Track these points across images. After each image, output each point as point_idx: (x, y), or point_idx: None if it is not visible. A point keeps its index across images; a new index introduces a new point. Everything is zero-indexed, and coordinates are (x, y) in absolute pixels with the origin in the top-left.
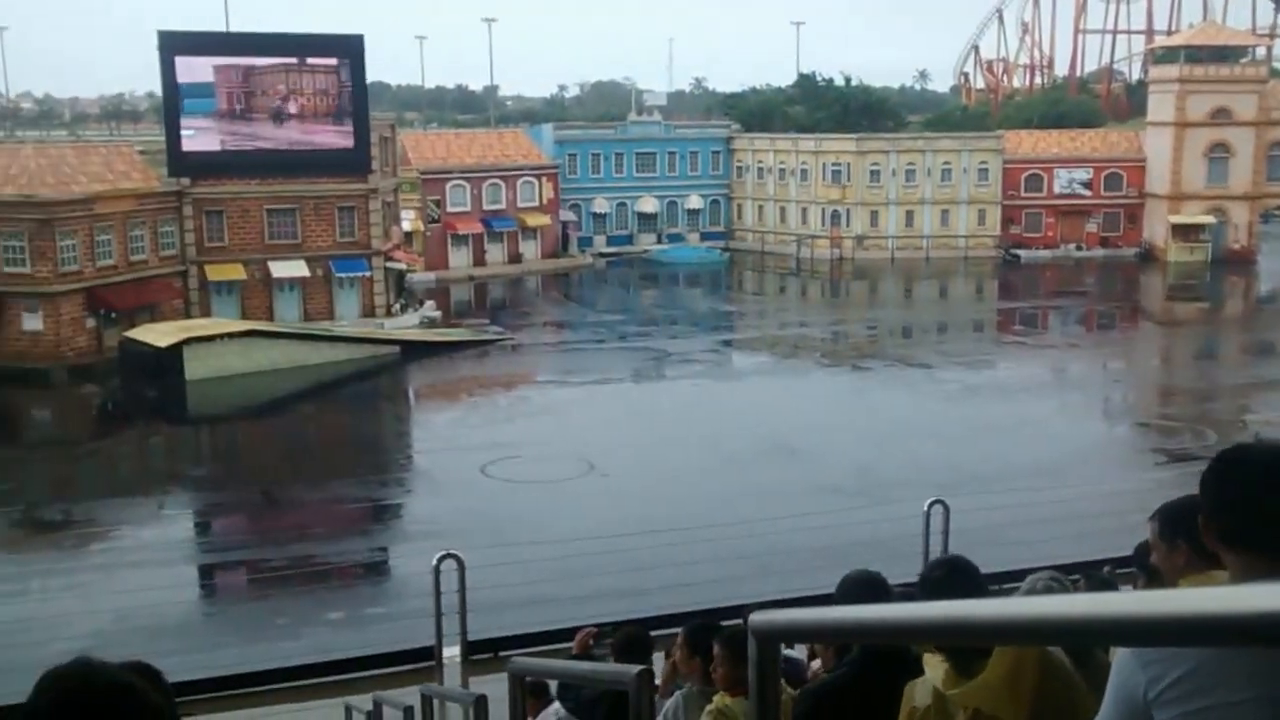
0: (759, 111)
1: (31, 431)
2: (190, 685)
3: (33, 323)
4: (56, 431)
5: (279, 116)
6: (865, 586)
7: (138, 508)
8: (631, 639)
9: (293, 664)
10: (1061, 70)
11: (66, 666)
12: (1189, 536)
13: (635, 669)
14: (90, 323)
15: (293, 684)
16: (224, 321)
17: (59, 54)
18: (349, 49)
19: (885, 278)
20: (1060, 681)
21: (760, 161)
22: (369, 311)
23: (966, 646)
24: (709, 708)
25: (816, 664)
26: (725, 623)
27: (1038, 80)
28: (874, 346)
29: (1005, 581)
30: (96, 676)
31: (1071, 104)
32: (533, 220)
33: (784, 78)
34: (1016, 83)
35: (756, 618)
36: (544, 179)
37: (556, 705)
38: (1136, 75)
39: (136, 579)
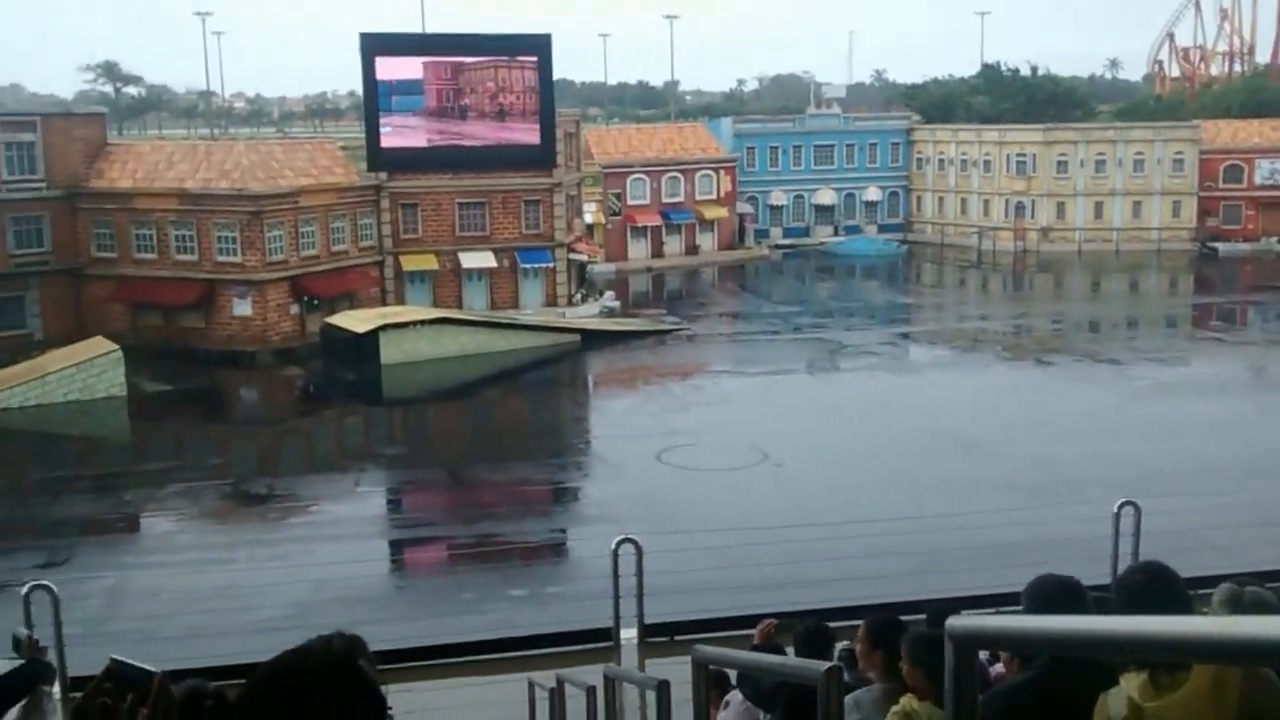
0: (940, 102)
1: (240, 410)
2: (384, 655)
3: (242, 308)
4: (262, 411)
5: (469, 114)
6: (1061, 593)
7: (335, 484)
8: (814, 632)
9: (479, 638)
10: (1263, 58)
11: (303, 644)
12: None
13: (824, 666)
14: (294, 309)
15: (479, 658)
16: (417, 309)
17: (268, 56)
18: (536, 48)
19: (1072, 271)
20: (1268, 693)
21: (941, 153)
22: (551, 301)
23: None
24: (895, 709)
25: (999, 667)
26: (904, 618)
27: (1237, 68)
28: (1059, 341)
29: (1198, 587)
30: (328, 650)
31: (1273, 92)
32: (710, 213)
33: (967, 68)
34: (1214, 70)
35: (955, 623)
36: (722, 172)
37: (736, 693)
38: None
39: (333, 551)
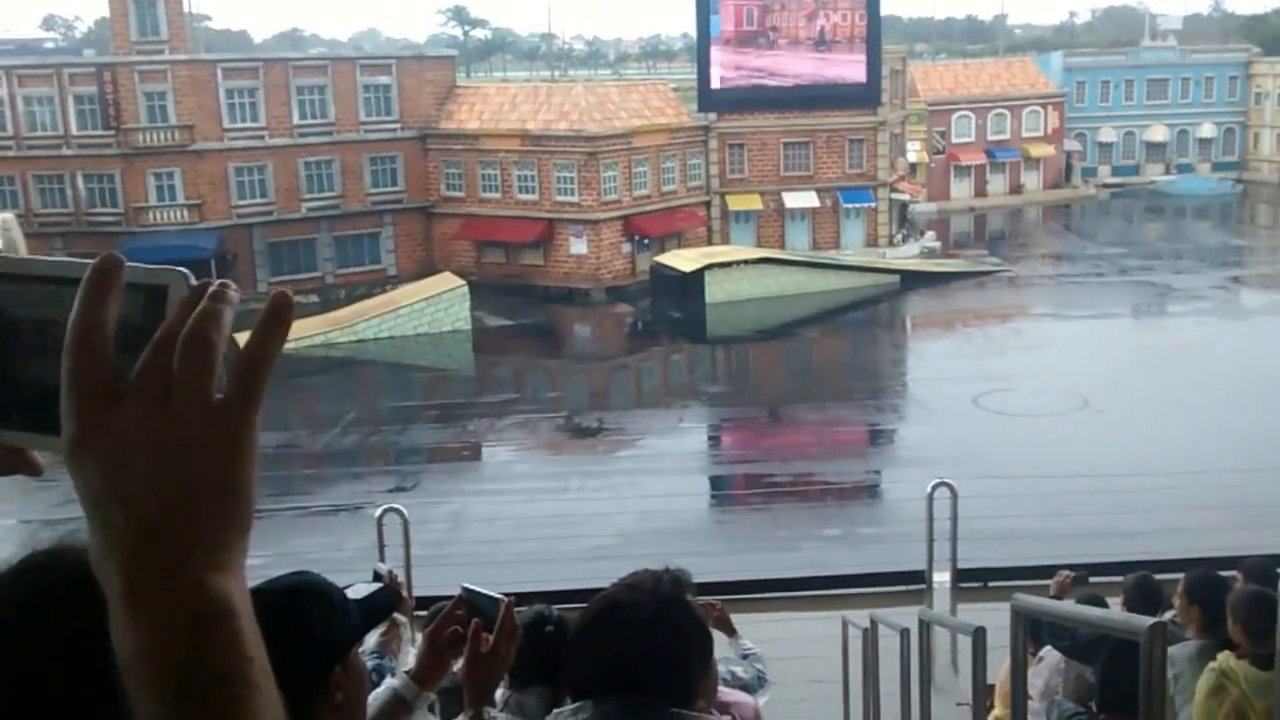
0: None
1: (574, 346)
2: (703, 587)
3: (578, 247)
4: (594, 346)
5: (798, 51)
6: None
7: (659, 419)
8: (1144, 586)
9: (795, 575)
10: None
11: (633, 580)
12: None
13: (1148, 621)
14: (626, 248)
15: (794, 594)
16: (741, 249)
17: None
18: None
19: None
20: None
21: None
22: (872, 241)
23: None
24: (1211, 665)
25: None
26: (1225, 574)
27: None
28: None
29: None
30: (658, 588)
31: None
32: (1036, 150)
33: None
34: None
35: None
36: (1050, 108)
37: (1052, 650)
38: None
39: (657, 485)
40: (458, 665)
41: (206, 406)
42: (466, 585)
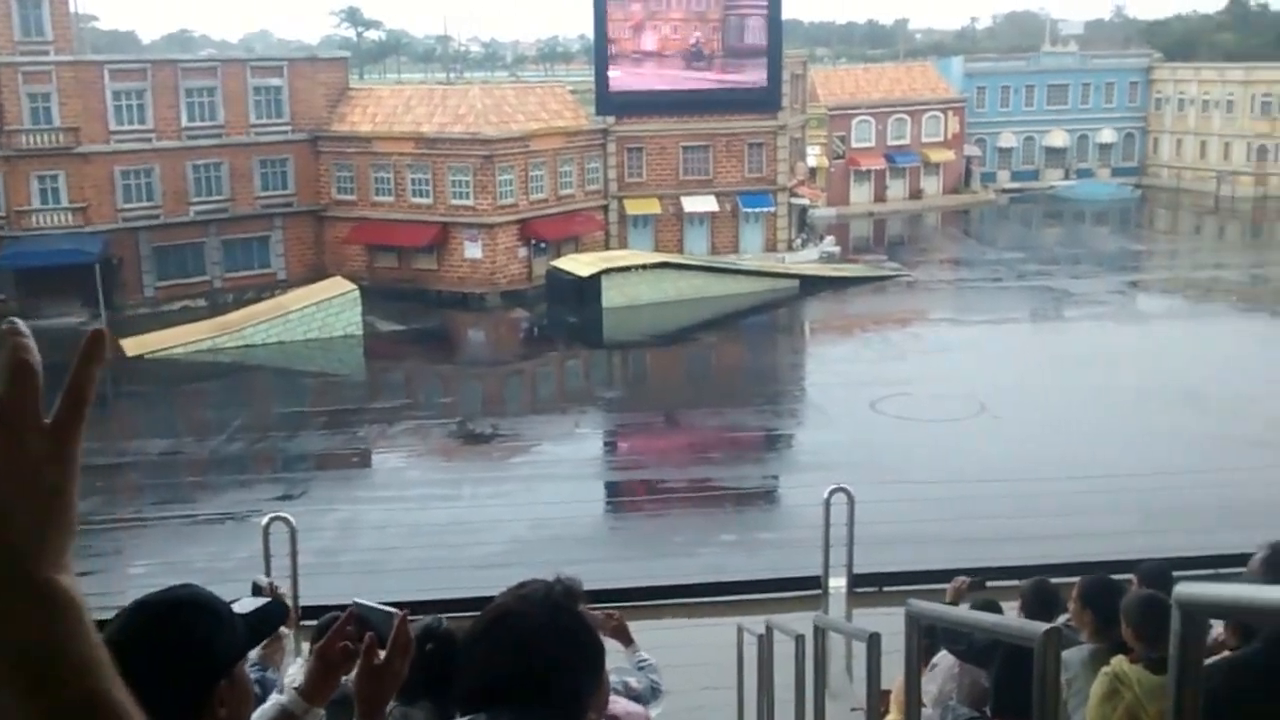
0: (1183, 39)
1: (468, 351)
2: (597, 594)
3: (473, 251)
4: (489, 352)
5: (697, 56)
6: None
7: (555, 425)
8: (1041, 591)
9: (690, 582)
10: None
11: (524, 590)
12: None
13: (1043, 627)
14: (522, 252)
15: (689, 600)
16: (639, 253)
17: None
18: None
19: None
20: None
21: (1182, 93)
22: (771, 246)
23: None
24: (1105, 670)
25: (1216, 632)
26: (1119, 577)
27: None
28: None
29: None
30: (549, 597)
31: None
32: (936, 155)
33: (1213, 4)
34: None
35: (1185, 592)
36: (950, 113)
37: (946, 655)
38: None
39: (552, 491)
40: (347, 677)
41: (40, 426)
42: (358, 600)
